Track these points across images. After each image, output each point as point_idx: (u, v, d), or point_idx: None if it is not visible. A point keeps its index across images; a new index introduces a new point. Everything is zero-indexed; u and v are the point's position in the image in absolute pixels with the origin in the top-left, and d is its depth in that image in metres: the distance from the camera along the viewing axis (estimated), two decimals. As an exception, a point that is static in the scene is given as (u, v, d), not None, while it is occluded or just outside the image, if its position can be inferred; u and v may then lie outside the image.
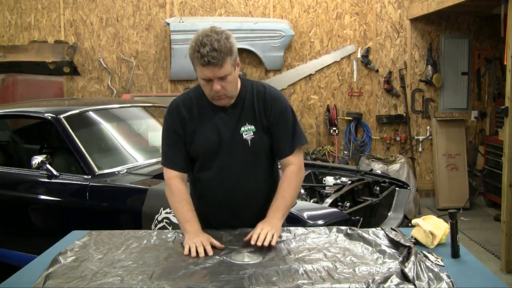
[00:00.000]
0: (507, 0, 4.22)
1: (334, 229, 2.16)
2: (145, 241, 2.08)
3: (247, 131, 2.15)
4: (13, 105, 4.78)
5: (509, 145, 4.22)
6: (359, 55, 6.52)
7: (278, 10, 6.50)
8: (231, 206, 2.19)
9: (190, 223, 2.11)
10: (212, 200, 2.20)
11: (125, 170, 3.53)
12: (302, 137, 2.26)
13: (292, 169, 2.20)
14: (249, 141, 2.15)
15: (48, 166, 3.46)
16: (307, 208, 2.88)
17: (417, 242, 2.00)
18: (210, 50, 1.96)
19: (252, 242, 1.97)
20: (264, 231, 1.99)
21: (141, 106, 4.49)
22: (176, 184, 2.18)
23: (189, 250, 1.96)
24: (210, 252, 1.95)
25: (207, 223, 2.19)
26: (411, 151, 6.61)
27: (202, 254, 1.94)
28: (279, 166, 2.28)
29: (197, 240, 1.99)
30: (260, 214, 2.13)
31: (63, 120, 3.62)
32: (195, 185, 2.26)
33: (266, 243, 1.96)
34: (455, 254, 1.88)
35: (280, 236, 2.07)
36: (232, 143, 2.15)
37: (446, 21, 6.53)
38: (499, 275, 4.16)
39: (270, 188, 2.23)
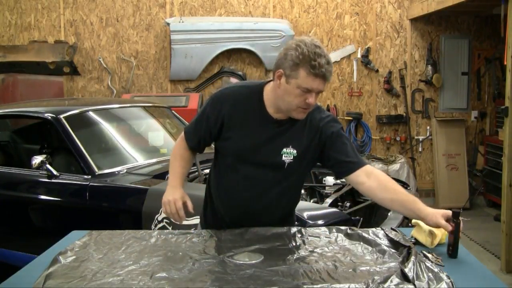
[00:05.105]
0: (507, 0, 4.22)
1: (334, 229, 2.15)
2: (145, 241, 2.08)
3: (288, 154, 2.06)
4: (13, 105, 4.78)
5: (509, 145, 4.22)
6: (359, 55, 6.52)
7: (278, 10, 6.50)
8: (246, 214, 2.14)
9: (174, 177, 2.20)
10: (230, 202, 2.16)
11: (125, 170, 3.52)
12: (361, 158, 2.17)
13: (381, 175, 2.07)
14: (286, 164, 2.07)
15: (48, 166, 3.46)
16: (307, 208, 2.87)
17: (417, 242, 1.99)
18: (326, 62, 1.89)
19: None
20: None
21: (141, 106, 4.49)
22: (181, 148, 2.25)
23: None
24: (190, 208, 2.13)
25: (221, 219, 2.19)
26: (411, 151, 6.61)
27: (182, 217, 2.12)
28: (348, 184, 2.23)
29: (171, 197, 2.12)
30: (269, 225, 2.11)
31: (63, 120, 3.62)
32: (218, 181, 2.20)
33: None
34: (454, 254, 1.87)
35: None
36: (268, 159, 2.07)
37: (446, 21, 6.53)
38: (499, 275, 4.16)
39: (290, 207, 2.23)
